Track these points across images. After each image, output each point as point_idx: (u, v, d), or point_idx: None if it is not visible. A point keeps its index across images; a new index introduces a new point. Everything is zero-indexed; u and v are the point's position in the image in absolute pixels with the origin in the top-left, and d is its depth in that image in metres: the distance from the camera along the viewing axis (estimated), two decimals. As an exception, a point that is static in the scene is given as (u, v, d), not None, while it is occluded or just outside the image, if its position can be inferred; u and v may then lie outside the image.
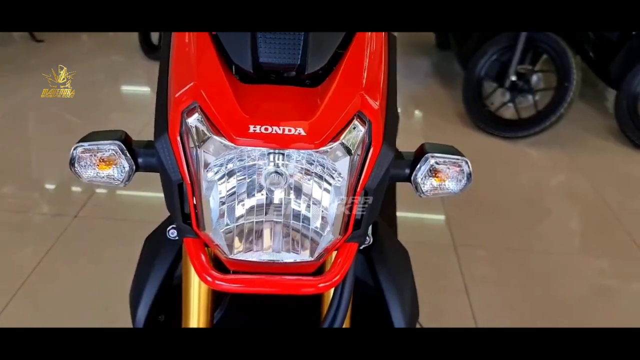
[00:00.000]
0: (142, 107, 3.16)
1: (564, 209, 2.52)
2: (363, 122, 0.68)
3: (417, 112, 3.30)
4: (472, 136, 3.03)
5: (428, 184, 0.80)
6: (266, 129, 0.64)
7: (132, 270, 0.98)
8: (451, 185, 0.80)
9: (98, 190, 2.30)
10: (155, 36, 3.76)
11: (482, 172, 2.72)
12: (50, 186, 2.44)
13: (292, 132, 0.64)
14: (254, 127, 0.64)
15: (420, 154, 0.80)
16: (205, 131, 0.65)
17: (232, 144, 0.65)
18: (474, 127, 3.07)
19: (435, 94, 3.59)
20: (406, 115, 3.26)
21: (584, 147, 3.00)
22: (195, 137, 0.66)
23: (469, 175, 0.80)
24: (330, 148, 0.66)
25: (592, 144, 3.06)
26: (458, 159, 0.79)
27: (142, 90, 3.62)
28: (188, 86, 0.66)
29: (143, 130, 2.74)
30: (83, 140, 0.76)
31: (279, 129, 0.64)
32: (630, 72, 2.92)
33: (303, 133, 0.64)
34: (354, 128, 0.67)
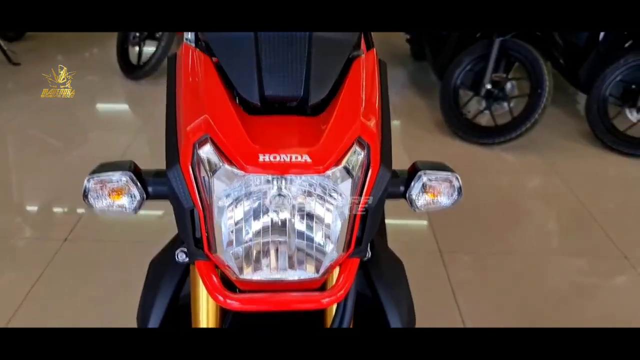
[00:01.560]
0: (123, 127, 3.18)
1: (542, 210, 2.61)
2: (362, 146, 0.74)
3: (396, 123, 3.37)
4: (450, 144, 3.11)
5: (422, 200, 0.85)
6: (274, 157, 0.69)
7: (128, 292, 1.01)
8: (443, 199, 0.86)
9: (85, 212, 2.31)
10: (133, 56, 3.77)
11: (462, 179, 2.79)
12: (37, 210, 2.44)
13: (298, 160, 0.69)
14: (263, 156, 0.69)
15: (412, 171, 0.85)
16: (217, 161, 0.70)
17: (243, 173, 0.70)
18: (452, 135, 3.16)
19: (413, 104, 3.67)
20: (386, 125, 3.33)
21: (558, 150, 3.11)
22: (207, 167, 0.71)
23: (460, 189, 0.86)
24: (334, 172, 0.72)
25: (566, 146, 3.16)
26: (449, 175, 0.85)
27: (122, 110, 3.63)
28: (199, 119, 0.71)
29: (126, 151, 2.77)
30: (94, 172, 0.80)
31: (287, 156, 0.69)
32: (599, 76, 3.04)
33: (309, 160, 0.69)
34: (355, 152, 0.73)
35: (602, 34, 3.11)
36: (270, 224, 0.77)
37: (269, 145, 0.70)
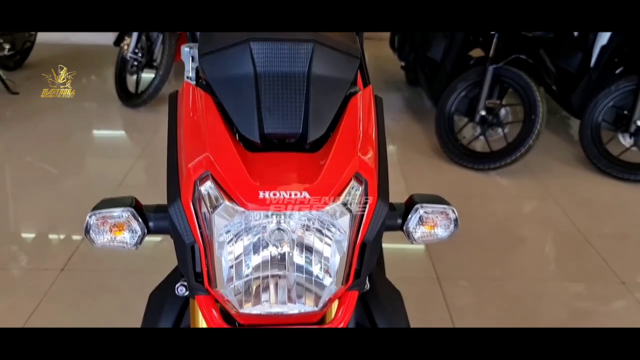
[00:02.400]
0: (122, 155, 3.19)
1: (538, 236, 2.62)
2: (360, 181, 0.75)
3: (393, 148, 3.40)
4: (446, 169, 3.14)
5: (419, 232, 0.87)
6: (274, 194, 0.70)
7: (127, 325, 1.01)
8: (440, 231, 0.88)
9: (83, 242, 2.31)
10: (131, 84, 3.81)
11: (457, 203, 2.80)
12: (34, 239, 2.43)
13: (297, 196, 0.70)
14: (263, 193, 0.70)
15: (409, 204, 0.87)
16: (218, 198, 0.71)
17: (244, 209, 0.71)
18: (448, 161, 3.18)
19: (409, 129, 3.71)
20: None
21: (553, 174, 3.13)
22: (208, 203, 0.72)
23: (456, 221, 0.87)
24: (332, 208, 0.73)
25: (561, 171, 3.19)
26: (445, 208, 0.86)
27: (120, 138, 3.65)
28: (201, 157, 0.73)
29: (124, 179, 2.78)
30: (96, 208, 0.81)
31: (286, 193, 0.70)
32: (591, 102, 3.08)
33: (308, 196, 0.71)
34: (353, 188, 0.74)
35: (593, 61, 3.17)
36: (269, 258, 0.78)
37: (269, 182, 0.71)
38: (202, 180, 0.72)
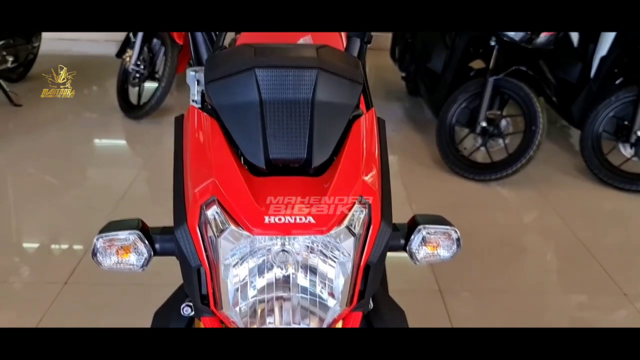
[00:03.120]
0: (125, 167, 3.20)
1: (539, 247, 2.62)
2: (364, 205, 0.76)
3: (394, 158, 3.41)
4: (447, 180, 3.15)
5: (422, 253, 0.88)
6: (279, 219, 0.71)
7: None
8: (443, 252, 0.89)
9: (86, 255, 2.32)
10: (133, 95, 3.83)
11: (459, 215, 2.82)
12: (37, 252, 2.43)
13: (302, 221, 0.72)
14: (269, 218, 0.71)
15: (412, 225, 0.88)
16: (224, 222, 0.73)
17: (249, 234, 0.72)
18: (449, 171, 3.19)
19: (410, 140, 3.72)
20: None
21: (554, 185, 3.14)
22: (214, 228, 0.73)
23: (459, 242, 0.88)
24: (336, 231, 0.74)
25: (562, 181, 3.20)
26: (447, 229, 0.87)
27: (123, 150, 3.67)
28: (207, 182, 0.74)
29: (127, 191, 2.79)
30: (103, 231, 0.82)
31: (291, 218, 0.72)
32: (592, 113, 3.10)
33: (312, 221, 0.72)
34: (356, 211, 0.76)
35: (593, 72, 3.19)
36: (274, 280, 0.79)
37: (274, 207, 0.72)
38: (209, 204, 0.74)
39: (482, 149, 3.17)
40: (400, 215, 2.68)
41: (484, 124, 3.09)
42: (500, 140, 3.12)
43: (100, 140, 3.71)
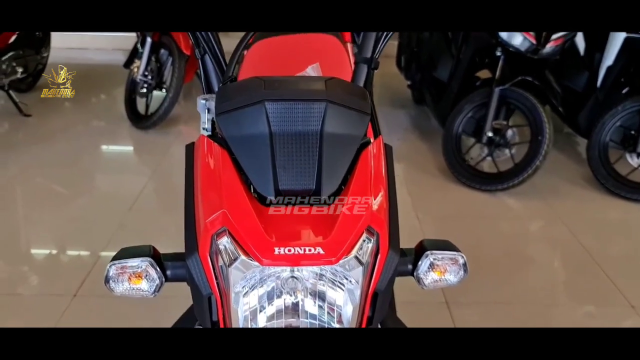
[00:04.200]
0: (133, 177, 3.23)
1: (546, 257, 2.62)
2: (372, 234, 0.78)
3: (400, 167, 3.42)
4: (453, 190, 3.15)
5: (429, 278, 0.89)
6: (289, 250, 0.73)
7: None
8: (450, 277, 0.90)
9: (95, 266, 2.34)
10: (141, 106, 3.86)
11: (465, 225, 2.84)
12: (45, 264, 2.46)
13: (312, 252, 0.73)
14: (279, 249, 0.73)
15: (420, 251, 0.89)
16: (235, 253, 0.74)
17: (259, 264, 0.74)
18: (455, 181, 3.20)
19: (416, 149, 3.73)
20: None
21: (561, 195, 3.14)
22: (225, 258, 0.75)
23: (465, 267, 0.89)
24: (345, 261, 0.76)
25: (568, 191, 3.20)
26: (454, 255, 0.88)
27: (131, 159, 3.69)
28: (218, 213, 0.75)
29: (135, 203, 2.81)
30: (115, 258, 0.84)
31: (301, 249, 0.73)
32: (598, 122, 3.09)
33: (321, 251, 0.73)
34: (364, 241, 0.77)
35: (599, 81, 3.19)
36: (283, 307, 0.80)
37: (284, 238, 0.74)
38: (219, 235, 0.75)
39: (489, 158, 3.17)
40: (407, 225, 2.68)
41: (490, 133, 3.09)
42: (507, 150, 3.13)
43: (109, 150, 3.75)
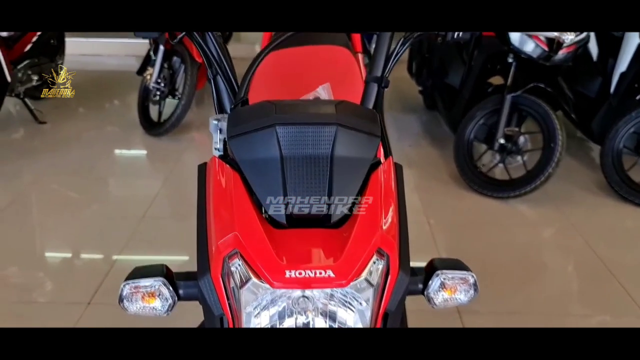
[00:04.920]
0: (146, 185, 3.26)
1: (558, 265, 2.61)
2: (382, 255, 0.78)
3: (412, 174, 3.41)
4: (465, 197, 3.14)
5: (440, 298, 0.89)
6: (300, 273, 0.74)
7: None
8: (460, 296, 0.90)
9: (109, 274, 2.36)
10: (154, 113, 3.89)
11: (477, 232, 2.83)
12: (60, 271, 2.48)
13: (322, 275, 0.74)
14: (290, 272, 0.74)
15: (430, 270, 0.89)
16: (246, 275, 0.75)
17: (270, 287, 0.75)
18: (467, 188, 3.19)
19: (428, 155, 3.73)
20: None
21: (573, 202, 3.12)
22: (236, 280, 0.76)
23: (476, 286, 0.89)
24: (355, 284, 0.76)
25: (581, 198, 3.17)
26: (465, 274, 0.88)
27: (143, 166, 3.73)
28: (229, 235, 0.77)
29: (147, 210, 2.84)
30: (129, 278, 0.85)
31: (311, 272, 0.74)
32: (612, 129, 3.07)
33: (332, 275, 0.74)
34: (375, 263, 0.77)
35: (612, 87, 3.16)
36: (294, 326, 0.81)
37: (295, 261, 0.75)
38: (231, 257, 0.76)
39: (501, 165, 3.16)
40: (418, 232, 2.67)
41: (502, 140, 3.08)
42: (519, 157, 3.11)
43: (122, 157, 3.79)
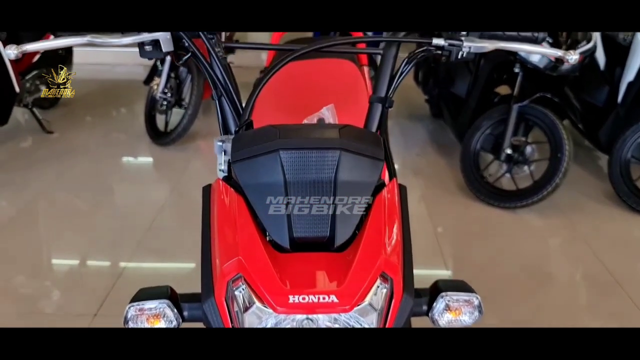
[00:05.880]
0: (152, 195, 3.27)
1: (566, 276, 2.59)
2: (386, 279, 0.78)
3: (419, 184, 3.41)
4: (472, 206, 3.13)
5: (444, 319, 0.89)
6: (303, 299, 0.74)
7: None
8: (465, 318, 0.90)
9: (115, 286, 2.37)
10: (160, 122, 3.91)
11: (484, 243, 2.81)
12: (66, 282, 2.49)
13: (326, 300, 0.74)
14: (293, 297, 0.74)
15: (434, 291, 0.89)
16: (250, 300, 0.75)
17: (273, 311, 0.75)
18: (474, 198, 3.18)
19: (434, 164, 3.72)
20: (409, 187, 3.36)
21: (581, 212, 3.10)
22: (240, 305, 0.76)
23: (480, 308, 0.89)
24: (359, 309, 0.76)
25: (589, 208, 3.15)
26: (469, 296, 0.88)
27: (150, 176, 3.74)
28: (233, 260, 0.77)
29: (154, 221, 2.84)
30: (134, 300, 0.86)
31: (315, 297, 0.74)
32: (619, 138, 3.05)
33: (336, 300, 0.74)
34: (378, 287, 0.77)
35: (620, 97, 3.15)
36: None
37: (298, 286, 0.75)
38: (235, 281, 0.76)
39: (507, 175, 3.15)
40: (425, 242, 2.65)
41: (508, 150, 3.07)
42: (526, 167, 3.10)
43: (129, 167, 3.80)
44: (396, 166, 3.69)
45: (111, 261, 2.56)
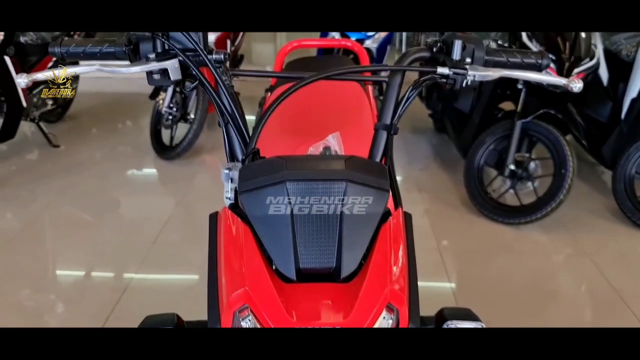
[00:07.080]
0: (157, 209, 3.28)
1: (570, 294, 2.58)
2: (392, 310, 0.79)
3: (422, 199, 3.41)
4: (476, 223, 3.13)
5: (449, 348, 0.89)
6: (309, 330, 0.74)
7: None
8: (470, 346, 0.89)
9: (120, 299, 2.37)
10: (166, 137, 3.93)
11: (488, 259, 2.81)
12: (72, 296, 2.50)
13: (331, 332, 0.74)
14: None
15: (440, 320, 0.90)
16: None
17: (280, 343, 0.75)
18: (477, 214, 3.18)
19: (438, 179, 3.72)
20: (412, 202, 3.37)
21: (585, 228, 3.09)
22: (247, 335, 0.76)
23: (485, 337, 0.89)
24: (365, 339, 0.77)
25: (593, 224, 3.15)
26: (474, 324, 0.89)
27: (155, 190, 3.75)
28: (240, 290, 0.78)
29: (159, 235, 2.85)
30: (141, 327, 0.86)
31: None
32: (623, 155, 3.06)
33: (341, 332, 0.74)
34: (384, 318, 0.78)
35: (623, 113, 3.15)
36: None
37: (304, 317, 0.75)
38: (241, 311, 0.77)
39: (511, 191, 3.16)
40: (429, 258, 2.64)
41: (512, 166, 3.08)
42: (529, 183, 3.10)
43: (135, 181, 3.82)
44: (399, 178, 3.70)
45: (116, 275, 2.57)
